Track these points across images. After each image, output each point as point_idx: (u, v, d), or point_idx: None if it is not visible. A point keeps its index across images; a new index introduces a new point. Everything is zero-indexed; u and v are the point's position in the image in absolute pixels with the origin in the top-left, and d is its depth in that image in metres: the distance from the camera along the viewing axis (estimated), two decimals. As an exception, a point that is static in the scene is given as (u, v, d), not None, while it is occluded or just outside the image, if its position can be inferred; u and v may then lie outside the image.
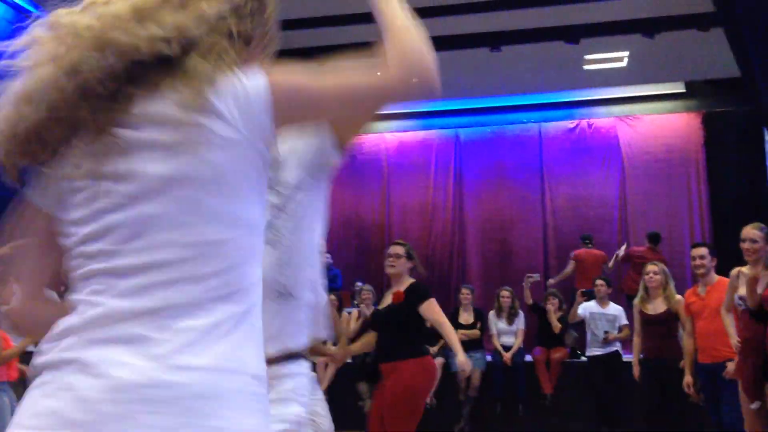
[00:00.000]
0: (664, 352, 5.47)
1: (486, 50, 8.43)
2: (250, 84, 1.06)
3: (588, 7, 7.86)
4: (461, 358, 4.48)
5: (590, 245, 9.59)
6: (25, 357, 5.08)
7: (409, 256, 4.49)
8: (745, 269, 4.62)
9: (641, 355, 5.83)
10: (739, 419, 4.99)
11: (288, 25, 8.09)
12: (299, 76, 1.11)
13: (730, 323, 4.86)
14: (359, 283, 9.26)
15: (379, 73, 1.12)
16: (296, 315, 1.86)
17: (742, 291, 4.57)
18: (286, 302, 1.82)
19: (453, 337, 4.50)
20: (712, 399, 5.23)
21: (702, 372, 5.29)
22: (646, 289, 5.70)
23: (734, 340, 4.80)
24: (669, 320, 5.50)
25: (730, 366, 5.00)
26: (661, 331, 5.53)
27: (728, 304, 4.85)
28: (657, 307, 5.63)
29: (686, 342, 5.40)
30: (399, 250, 4.50)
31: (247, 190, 1.08)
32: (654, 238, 9.17)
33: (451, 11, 7.88)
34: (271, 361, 1.55)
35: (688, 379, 5.34)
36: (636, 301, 5.83)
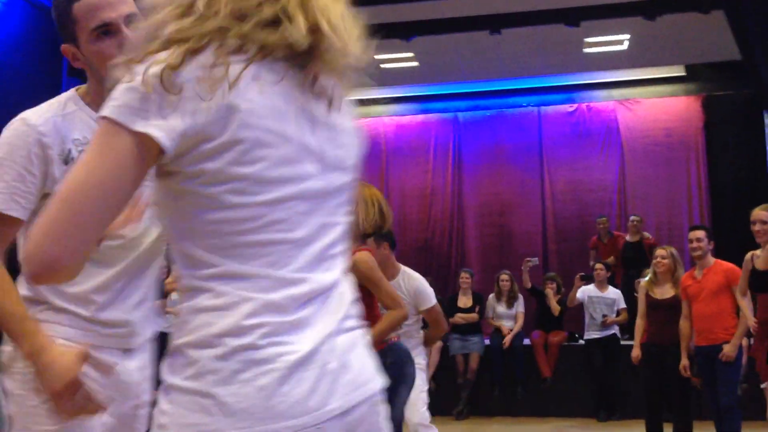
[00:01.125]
0: (668, 337, 5.46)
1: (486, 33, 8.37)
2: None
3: (588, -10, 7.81)
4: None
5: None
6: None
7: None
8: (758, 252, 4.63)
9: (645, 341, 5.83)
10: (736, 400, 5.03)
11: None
12: None
13: (747, 305, 4.90)
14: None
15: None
16: None
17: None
18: None
19: None
20: (709, 382, 5.26)
21: (699, 355, 5.32)
22: (655, 272, 5.69)
23: (751, 321, 4.83)
24: (675, 305, 5.48)
25: (727, 348, 5.03)
26: (666, 315, 5.52)
27: (743, 287, 4.87)
28: (665, 291, 5.62)
29: (682, 325, 5.40)
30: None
31: None
32: None
33: (451, -7, 7.83)
34: None
35: (684, 362, 5.35)
36: (644, 283, 5.83)
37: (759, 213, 4.78)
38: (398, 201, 11.05)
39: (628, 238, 9.05)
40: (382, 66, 9.96)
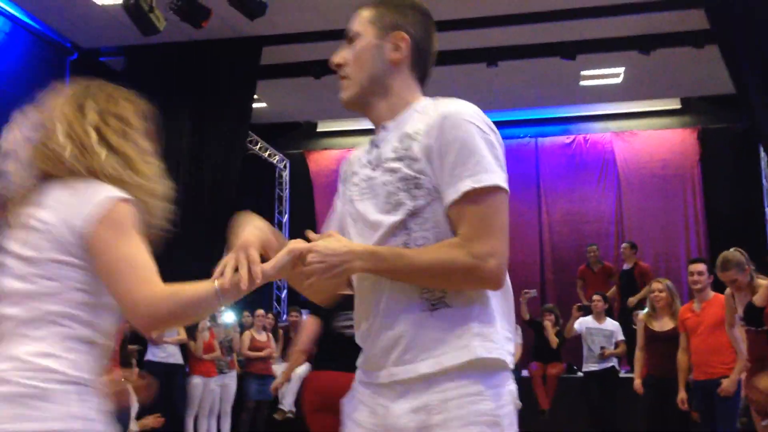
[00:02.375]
0: (668, 369, 5.41)
1: (482, 65, 8.47)
2: None
3: (584, 24, 7.92)
4: None
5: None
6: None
7: None
8: (739, 293, 4.68)
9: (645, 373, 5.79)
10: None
11: (280, 39, 8.15)
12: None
13: (738, 339, 4.85)
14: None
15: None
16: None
17: (740, 310, 4.62)
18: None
19: None
20: (708, 416, 5.21)
21: (697, 389, 5.27)
22: (653, 306, 5.67)
23: (743, 357, 4.79)
24: (675, 338, 5.45)
25: (725, 383, 4.98)
26: (666, 348, 5.47)
27: (730, 321, 4.85)
28: (664, 324, 5.59)
29: (680, 358, 5.36)
30: None
31: None
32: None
33: (449, 27, 7.92)
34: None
35: (682, 395, 5.31)
36: (642, 315, 5.81)
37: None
38: (396, 231, 11.05)
39: (625, 266, 9.03)
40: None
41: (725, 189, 10.16)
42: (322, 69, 8.46)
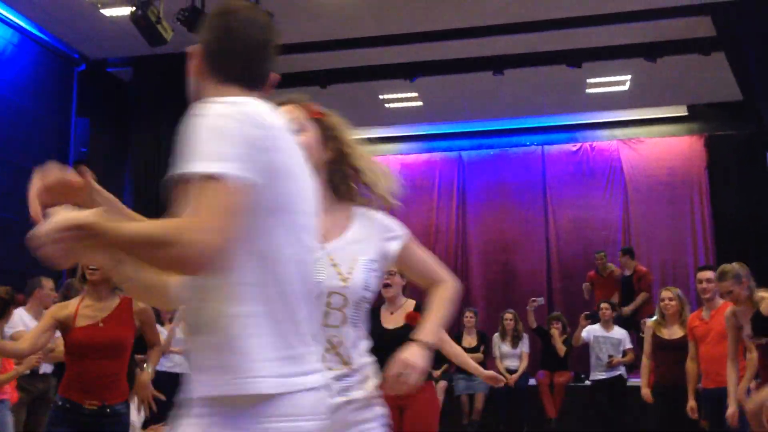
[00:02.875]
0: (678, 377, 5.38)
1: (489, 73, 8.49)
2: None
3: (590, 32, 7.93)
4: (485, 372, 4.32)
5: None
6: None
7: (402, 274, 4.15)
8: (738, 307, 4.64)
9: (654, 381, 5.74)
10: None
11: (289, 49, 8.18)
12: None
13: (734, 370, 4.75)
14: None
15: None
16: None
17: (746, 329, 4.58)
18: None
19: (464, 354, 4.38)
20: (718, 424, 5.17)
21: (706, 397, 5.23)
22: (662, 314, 5.64)
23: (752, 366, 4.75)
24: (685, 346, 5.40)
25: (729, 411, 4.93)
26: (675, 356, 5.43)
27: (733, 349, 4.79)
28: (673, 332, 5.55)
29: (689, 366, 5.32)
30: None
31: None
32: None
33: (455, 36, 7.95)
34: None
35: (691, 403, 5.27)
36: (650, 323, 5.78)
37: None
38: (402, 239, 11.05)
39: (626, 273, 9.05)
40: (386, 105, 10.07)
41: (732, 196, 10.12)
42: (328, 78, 8.49)
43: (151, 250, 1.25)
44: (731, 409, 4.72)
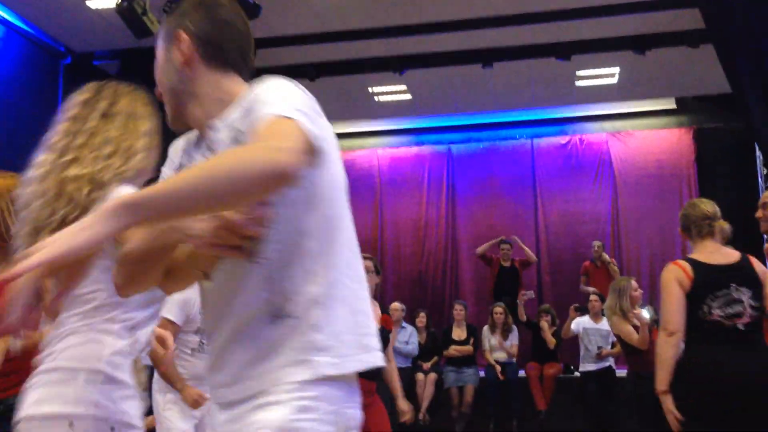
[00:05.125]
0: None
1: (478, 66, 8.48)
2: None
3: (579, 24, 7.92)
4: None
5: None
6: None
7: (377, 271, 3.97)
8: None
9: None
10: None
11: (278, 42, 8.14)
12: None
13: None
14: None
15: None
16: None
17: None
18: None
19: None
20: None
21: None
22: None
23: None
24: None
25: None
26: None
27: None
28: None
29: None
30: (368, 264, 3.69)
31: None
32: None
33: (444, 28, 7.93)
34: None
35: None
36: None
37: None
38: (392, 233, 11.06)
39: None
40: (375, 99, 10.05)
41: (721, 188, 10.17)
42: (317, 71, 8.45)
43: (236, 174, 1.13)
44: None
